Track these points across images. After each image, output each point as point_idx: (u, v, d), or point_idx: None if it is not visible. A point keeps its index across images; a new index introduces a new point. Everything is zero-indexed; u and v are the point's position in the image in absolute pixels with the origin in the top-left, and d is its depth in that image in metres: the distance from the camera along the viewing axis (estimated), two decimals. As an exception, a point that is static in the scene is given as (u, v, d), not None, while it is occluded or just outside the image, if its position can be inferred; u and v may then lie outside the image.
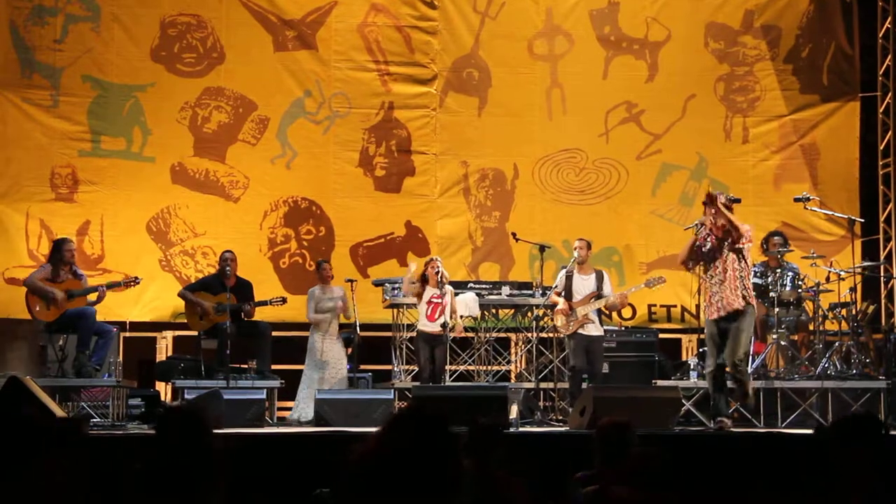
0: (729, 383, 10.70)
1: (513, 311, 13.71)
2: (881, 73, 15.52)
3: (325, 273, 13.06)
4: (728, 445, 9.51)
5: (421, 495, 3.54)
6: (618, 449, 5.89)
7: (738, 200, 10.95)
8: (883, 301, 14.73)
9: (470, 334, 13.63)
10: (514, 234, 13.87)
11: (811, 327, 12.76)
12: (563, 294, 11.99)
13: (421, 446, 3.53)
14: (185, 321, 12.94)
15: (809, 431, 10.01)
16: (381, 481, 3.56)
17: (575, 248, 12.18)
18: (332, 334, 12.84)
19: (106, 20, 14.76)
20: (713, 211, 10.40)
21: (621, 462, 5.82)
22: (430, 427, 3.63)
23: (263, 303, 12.62)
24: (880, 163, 15.48)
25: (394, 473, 3.53)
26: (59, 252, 11.97)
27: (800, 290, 12.54)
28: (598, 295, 11.91)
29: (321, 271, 13.10)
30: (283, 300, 12.91)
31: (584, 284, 11.98)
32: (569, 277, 12.03)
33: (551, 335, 12.85)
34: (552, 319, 12.49)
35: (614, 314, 14.17)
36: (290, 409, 13.46)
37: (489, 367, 13.59)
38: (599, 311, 12.10)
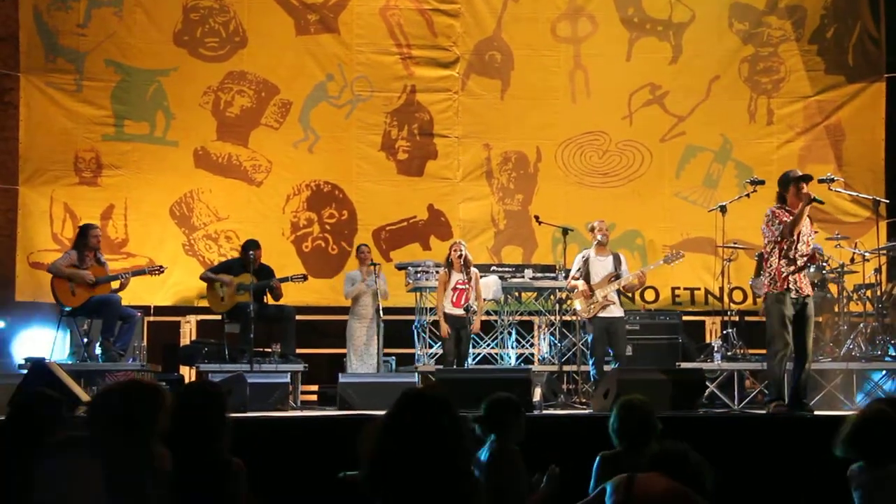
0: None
1: (535, 294, 13.69)
2: (906, 53, 15.42)
3: (364, 256, 13.13)
4: (753, 428, 9.47)
5: (433, 475, 3.93)
6: (641, 429, 5.89)
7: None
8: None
9: (493, 318, 13.63)
10: (536, 217, 13.81)
11: (836, 309, 12.70)
12: (581, 277, 11.95)
13: (427, 426, 4.03)
14: (208, 304, 12.98)
15: (834, 413, 9.98)
16: (394, 462, 3.98)
17: (599, 231, 12.08)
18: (365, 317, 12.87)
19: (128, 5, 14.82)
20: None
21: (645, 444, 5.81)
22: (435, 408, 4.10)
23: (285, 279, 12.64)
24: (905, 143, 15.38)
25: (404, 453, 3.80)
26: (86, 237, 11.99)
27: (824, 272, 12.47)
28: (616, 275, 11.86)
29: (359, 254, 13.20)
30: (305, 277, 12.95)
31: (602, 266, 11.93)
32: (586, 260, 11.99)
33: (574, 318, 12.82)
34: (572, 302, 12.47)
35: (637, 297, 14.12)
36: (314, 392, 13.54)
37: (512, 350, 13.58)
38: (619, 293, 12.05)
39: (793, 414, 9.68)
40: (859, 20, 15.58)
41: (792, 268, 9.85)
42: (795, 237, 9.84)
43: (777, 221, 9.89)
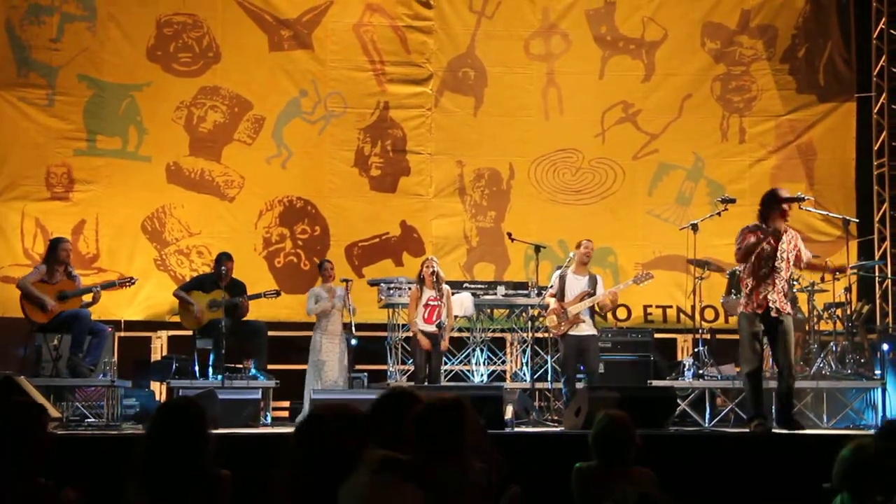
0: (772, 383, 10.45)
1: (508, 311, 13.69)
2: (875, 73, 15.53)
3: (327, 272, 13.06)
4: (723, 446, 9.49)
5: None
6: (617, 445, 5.87)
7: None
8: (878, 301, 14.74)
9: (465, 334, 13.62)
10: (509, 234, 13.81)
11: (806, 327, 12.75)
12: (556, 295, 11.97)
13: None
14: (180, 320, 12.91)
15: (804, 432, 10.01)
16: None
17: (584, 249, 12.09)
18: (334, 333, 12.80)
19: (102, 19, 14.77)
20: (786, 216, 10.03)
21: (621, 459, 5.80)
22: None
23: (257, 295, 12.58)
24: (875, 163, 15.48)
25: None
26: (55, 252, 11.92)
27: (795, 290, 12.52)
28: (589, 293, 11.88)
29: (323, 271, 13.10)
30: (277, 293, 12.89)
31: (577, 285, 11.95)
32: (563, 278, 12.01)
33: (546, 335, 12.83)
34: (545, 319, 12.48)
35: (609, 314, 14.14)
36: (285, 408, 13.48)
37: (485, 367, 13.57)
38: (592, 312, 12.05)
39: (774, 432, 9.69)
40: (830, 40, 15.69)
41: (769, 286, 9.84)
42: (779, 256, 9.83)
43: (741, 239, 9.87)
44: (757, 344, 9.90)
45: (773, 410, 10.47)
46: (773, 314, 9.83)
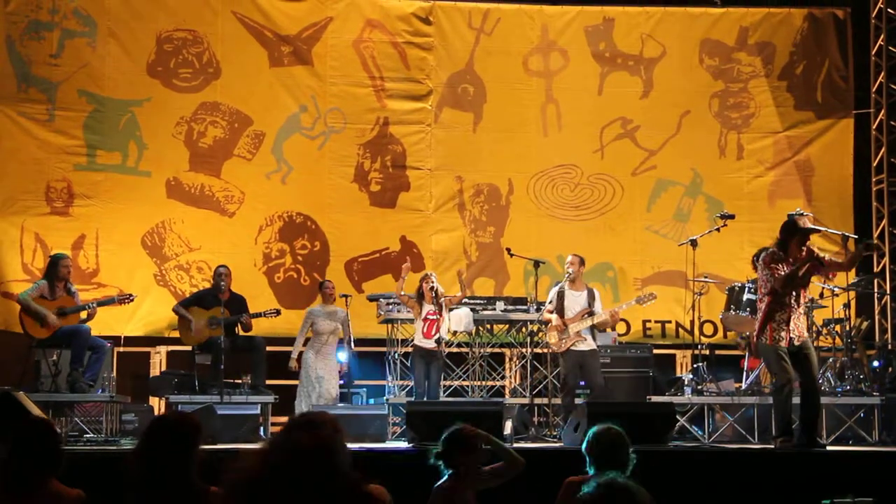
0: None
1: (507, 326, 13.68)
2: (874, 89, 15.58)
3: (328, 292, 13.03)
4: (722, 462, 9.49)
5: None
6: (611, 459, 5.82)
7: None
8: (876, 317, 14.75)
9: (464, 350, 13.62)
10: (508, 250, 13.85)
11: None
12: (555, 311, 11.97)
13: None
14: (179, 336, 12.90)
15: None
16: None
17: (567, 265, 12.18)
18: (327, 353, 12.78)
19: (102, 35, 14.79)
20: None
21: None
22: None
23: (258, 314, 12.58)
24: (873, 179, 15.52)
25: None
26: (56, 268, 11.91)
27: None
28: (589, 312, 11.89)
29: (323, 290, 13.08)
30: (277, 312, 12.88)
31: (575, 301, 11.97)
32: (561, 294, 12.02)
33: (545, 350, 12.83)
34: (546, 335, 12.49)
35: (608, 330, 14.14)
36: (284, 423, 13.47)
37: (483, 383, 13.57)
38: (592, 328, 12.06)
39: (802, 450, 9.63)
40: (828, 57, 15.75)
41: (786, 314, 9.79)
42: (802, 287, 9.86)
43: (772, 274, 9.78)
44: (787, 358, 9.81)
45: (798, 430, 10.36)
46: (796, 343, 9.80)
